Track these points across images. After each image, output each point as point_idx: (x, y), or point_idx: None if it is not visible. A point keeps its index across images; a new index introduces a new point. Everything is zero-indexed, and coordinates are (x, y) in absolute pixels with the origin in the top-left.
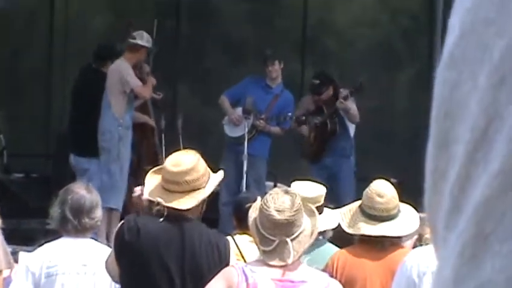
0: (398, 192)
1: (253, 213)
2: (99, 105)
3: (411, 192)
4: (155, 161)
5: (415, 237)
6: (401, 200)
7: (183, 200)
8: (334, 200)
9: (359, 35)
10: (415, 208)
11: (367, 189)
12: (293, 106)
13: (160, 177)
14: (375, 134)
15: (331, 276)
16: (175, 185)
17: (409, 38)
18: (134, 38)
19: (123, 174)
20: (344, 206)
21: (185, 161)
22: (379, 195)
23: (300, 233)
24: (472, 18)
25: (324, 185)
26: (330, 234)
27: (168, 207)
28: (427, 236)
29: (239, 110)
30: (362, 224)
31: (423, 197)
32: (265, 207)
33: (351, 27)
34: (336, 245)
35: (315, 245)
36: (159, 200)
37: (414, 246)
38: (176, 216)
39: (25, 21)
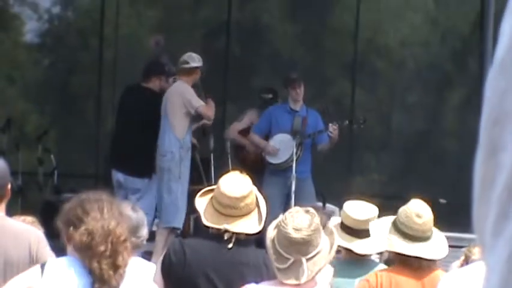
0: (446, 212)
1: (272, 230)
2: (149, 124)
3: (460, 212)
4: (198, 179)
5: (462, 258)
6: (449, 220)
7: (246, 223)
8: None
9: (409, 56)
10: (464, 228)
11: (404, 208)
12: (321, 121)
13: (210, 199)
14: (424, 154)
15: None
16: (235, 209)
17: (459, 58)
18: (187, 62)
19: (184, 195)
20: None
21: (242, 184)
22: (418, 216)
23: (317, 253)
24: None
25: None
26: (386, 255)
27: (237, 233)
28: (474, 257)
29: (275, 139)
30: (396, 240)
31: (471, 216)
32: (283, 224)
33: (401, 48)
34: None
35: (369, 265)
36: (227, 227)
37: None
38: (241, 241)
39: (76, 42)
